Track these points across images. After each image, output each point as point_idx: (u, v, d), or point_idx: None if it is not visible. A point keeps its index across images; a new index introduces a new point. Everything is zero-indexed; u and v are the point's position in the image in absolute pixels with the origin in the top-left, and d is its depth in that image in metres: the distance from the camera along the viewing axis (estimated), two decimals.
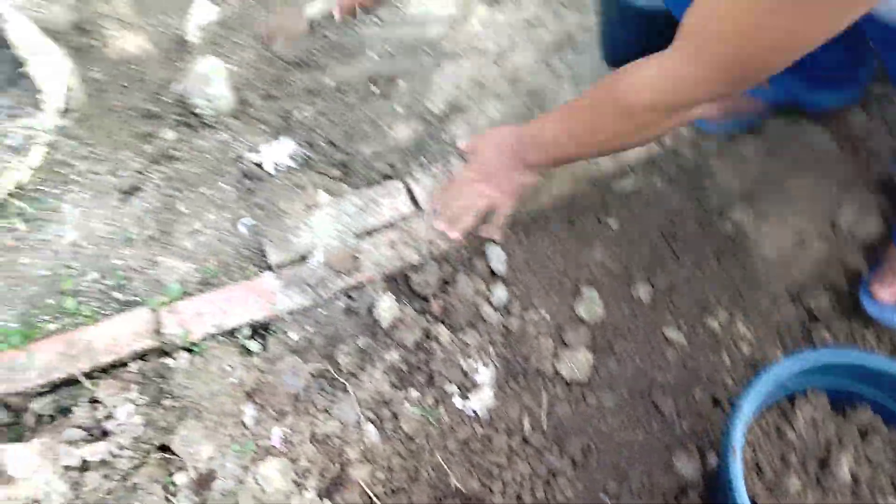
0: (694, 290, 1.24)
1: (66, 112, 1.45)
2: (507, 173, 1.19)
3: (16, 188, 1.40)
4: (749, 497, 0.84)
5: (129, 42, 1.64)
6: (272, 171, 1.43)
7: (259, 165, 1.43)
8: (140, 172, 1.44)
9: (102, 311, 1.30)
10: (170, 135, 1.50)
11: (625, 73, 0.92)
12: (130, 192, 1.42)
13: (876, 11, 0.82)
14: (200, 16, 1.64)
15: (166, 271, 1.33)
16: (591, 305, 1.23)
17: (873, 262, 1.19)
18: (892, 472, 0.91)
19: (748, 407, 0.89)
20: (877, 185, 1.30)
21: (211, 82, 1.48)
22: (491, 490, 1.08)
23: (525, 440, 1.13)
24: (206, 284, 1.31)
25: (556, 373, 1.18)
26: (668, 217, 1.29)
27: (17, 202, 1.40)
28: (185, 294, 1.30)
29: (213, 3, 1.67)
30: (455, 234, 1.24)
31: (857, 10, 0.68)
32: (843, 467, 0.90)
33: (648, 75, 0.88)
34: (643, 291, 1.24)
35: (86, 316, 1.29)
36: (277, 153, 1.44)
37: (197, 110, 1.49)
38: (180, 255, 1.35)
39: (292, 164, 1.44)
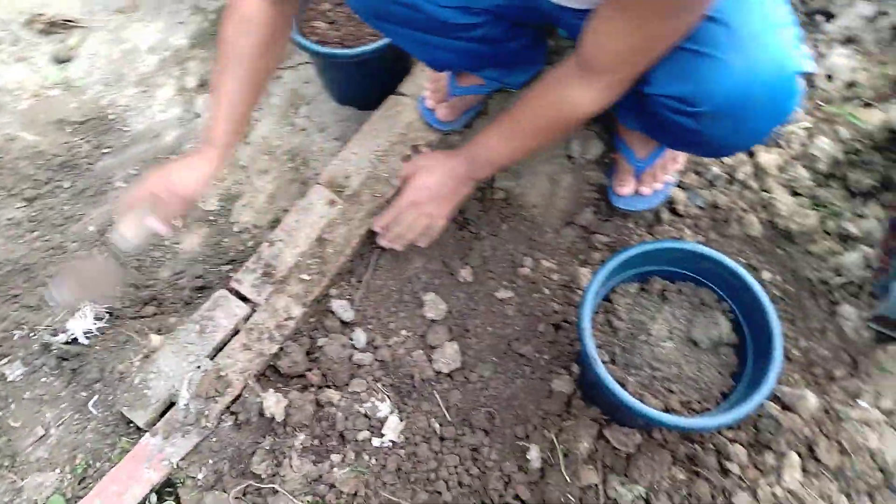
0: (499, 252, 1.48)
1: None
2: (450, 193, 1.33)
3: None
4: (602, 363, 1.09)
5: None
6: (87, 342, 1.39)
7: (73, 342, 1.37)
8: None
9: None
10: None
11: (559, 98, 1.10)
12: None
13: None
14: None
15: (35, 490, 1.25)
16: (435, 306, 1.41)
17: (608, 171, 1.52)
18: (689, 315, 1.23)
19: (587, 312, 1.13)
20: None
21: None
22: (438, 492, 1.24)
23: (441, 438, 1.30)
24: (85, 479, 1.26)
25: (437, 372, 1.35)
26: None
27: None
28: (69, 501, 1.24)
29: None
30: (399, 247, 1.40)
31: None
32: (661, 325, 1.20)
33: (587, 100, 1.07)
34: (466, 273, 1.46)
35: None
36: (84, 321, 1.39)
37: None
38: (40, 467, 1.27)
39: (103, 324, 1.41)
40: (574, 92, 1.08)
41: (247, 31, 1.13)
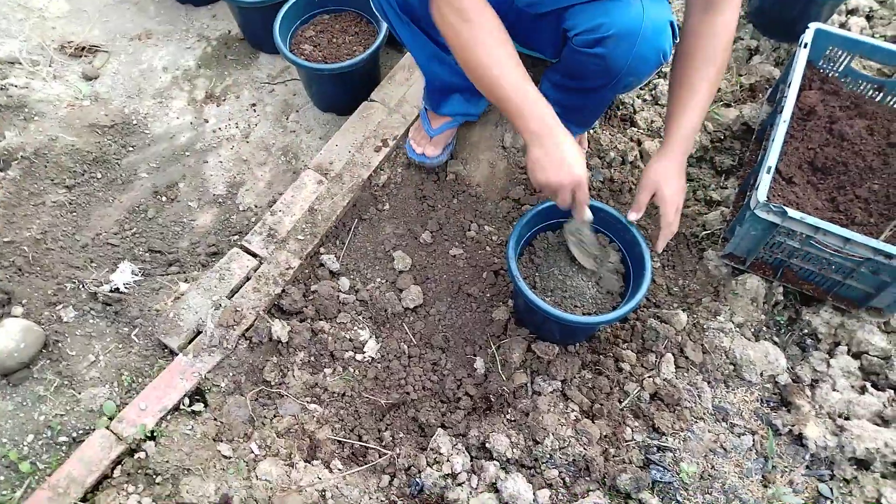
0: (451, 220, 1.90)
1: None
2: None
3: None
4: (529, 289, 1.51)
5: None
6: (126, 291, 1.75)
7: (115, 291, 1.73)
8: None
9: (58, 456, 1.53)
10: (18, 309, 1.71)
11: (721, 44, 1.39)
12: (14, 368, 1.62)
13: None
14: None
15: (90, 400, 1.60)
16: (402, 260, 1.82)
17: None
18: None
19: (512, 250, 1.55)
20: None
21: None
22: (407, 392, 1.63)
23: (409, 356, 1.69)
24: (130, 391, 1.62)
25: (405, 308, 1.75)
26: (416, 187, 1.94)
27: None
28: (119, 407, 1.59)
29: None
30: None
31: None
32: (567, 261, 1.63)
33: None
34: (426, 236, 1.87)
35: (45, 468, 1.51)
36: (123, 276, 1.76)
37: None
38: (93, 384, 1.62)
39: (138, 278, 1.78)
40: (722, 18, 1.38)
41: (489, 28, 1.31)
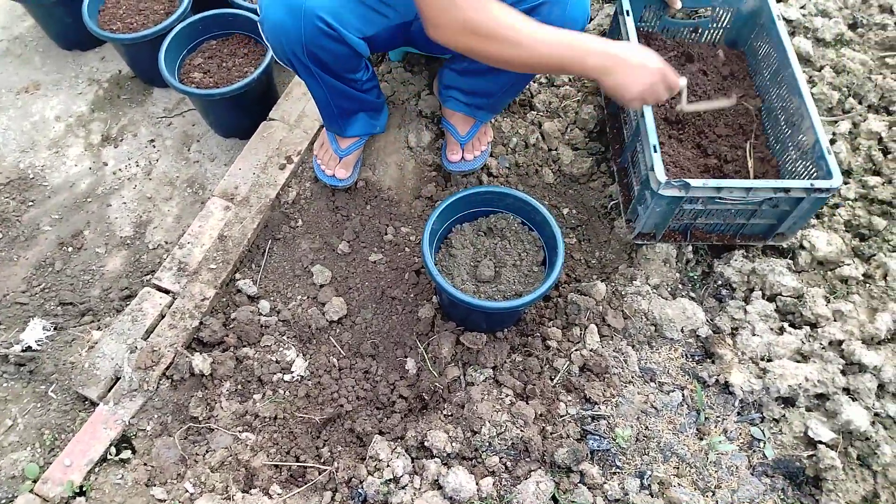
0: (367, 227, 1.90)
1: None
2: None
3: None
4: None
5: None
6: (38, 348, 1.69)
7: (27, 350, 1.67)
8: None
9: None
10: None
11: None
12: None
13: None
14: None
15: (11, 467, 1.53)
16: (321, 274, 1.80)
17: (441, 151, 1.97)
18: (509, 240, 1.67)
19: (427, 247, 1.55)
20: (419, 114, 2.09)
21: None
22: (341, 405, 1.61)
23: (339, 368, 1.67)
24: (54, 449, 1.55)
25: (330, 321, 1.74)
26: (327, 199, 1.92)
27: None
28: (42, 468, 1.53)
29: None
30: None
31: None
32: (485, 250, 1.64)
33: None
34: (343, 247, 1.86)
35: None
36: (34, 333, 1.69)
37: None
38: (13, 449, 1.55)
39: (50, 333, 1.72)
40: None
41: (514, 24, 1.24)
